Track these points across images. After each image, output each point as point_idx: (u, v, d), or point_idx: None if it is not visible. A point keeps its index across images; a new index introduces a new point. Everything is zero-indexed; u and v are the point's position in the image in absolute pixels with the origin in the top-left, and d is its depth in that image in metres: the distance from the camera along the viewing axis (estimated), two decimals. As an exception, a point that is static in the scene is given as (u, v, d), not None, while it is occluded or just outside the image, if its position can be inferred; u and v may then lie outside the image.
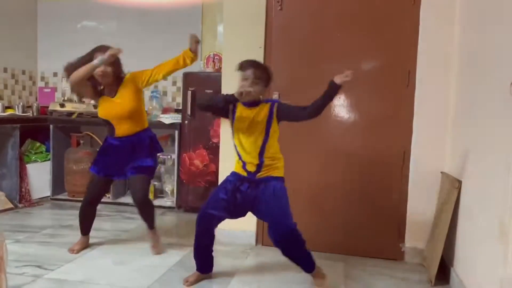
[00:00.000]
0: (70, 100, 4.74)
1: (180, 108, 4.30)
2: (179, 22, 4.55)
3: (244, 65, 2.33)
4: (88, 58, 2.75)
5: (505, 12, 1.93)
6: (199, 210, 2.52)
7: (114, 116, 2.81)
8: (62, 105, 4.47)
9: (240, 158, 2.41)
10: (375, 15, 2.97)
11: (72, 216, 3.84)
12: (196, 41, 2.74)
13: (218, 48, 4.30)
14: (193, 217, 3.92)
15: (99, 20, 4.77)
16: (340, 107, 3.06)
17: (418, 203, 2.94)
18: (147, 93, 4.70)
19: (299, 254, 2.40)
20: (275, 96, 3.03)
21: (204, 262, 2.59)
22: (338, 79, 2.26)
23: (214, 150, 3.86)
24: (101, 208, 4.13)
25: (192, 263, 2.81)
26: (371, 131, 3.01)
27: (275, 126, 2.37)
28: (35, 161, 4.38)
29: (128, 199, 4.16)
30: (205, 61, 4.28)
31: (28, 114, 4.48)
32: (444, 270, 2.62)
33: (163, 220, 3.92)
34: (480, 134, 2.20)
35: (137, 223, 3.60)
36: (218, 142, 3.31)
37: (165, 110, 4.49)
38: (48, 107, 4.53)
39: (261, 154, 2.35)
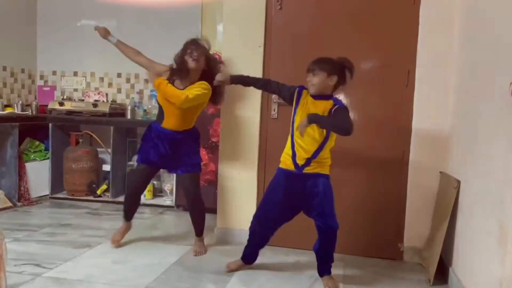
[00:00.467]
0: (69, 99, 4.74)
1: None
2: (179, 21, 4.54)
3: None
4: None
5: (505, 11, 1.93)
6: (257, 214, 2.65)
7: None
8: (61, 104, 4.46)
9: (292, 147, 2.44)
10: (375, 15, 2.97)
11: (71, 215, 3.85)
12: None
13: (217, 48, 4.29)
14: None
15: (98, 19, 4.74)
16: (340, 106, 3.05)
17: (417, 203, 2.95)
18: (146, 92, 4.71)
19: (328, 255, 2.53)
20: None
21: (252, 255, 2.72)
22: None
23: (213, 149, 3.86)
24: (100, 207, 4.15)
25: (191, 262, 2.82)
26: (370, 130, 3.01)
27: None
28: (34, 159, 4.37)
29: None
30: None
31: (27, 112, 4.47)
32: (443, 270, 2.63)
33: (161, 219, 3.92)
34: (479, 134, 2.20)
35: (136, 222, 3.61)
36: (218, 141, 3.31)
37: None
38: (47, 105, 4.52)
39: (316, 152, 2.40)
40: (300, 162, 2.42)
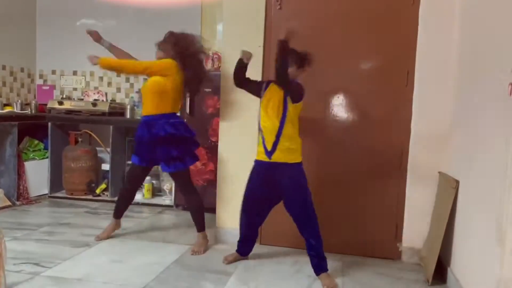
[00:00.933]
0: (68, 98, 4.74)
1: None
2: (179, 21, 4.50)
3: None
4: None
5: (504, 12, 1.93)
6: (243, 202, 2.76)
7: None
8: (60, 103, 4.46)
9: (260, 133, 2.64)
10: (374, 15, 2.97)
11: (70, 214, 3.85)
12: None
13: (217, 47, 4.30)
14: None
15: (98, 18, 4.76)
16: (339, 106, 3.06)
17: (415, 202, 2.95)
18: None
19: (317, 250, 2.60)
20: None
21: (245, 247, 2.86)
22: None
23: (212, 149, 3.86)
24: (99, 206, 4.15)
25: (191, 262, 2.82)
26: (370, 130, 3.01)
27: (292, 104, 2.55)
28: (33, 158, 4.37)
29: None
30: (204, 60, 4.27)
31: (27, 111, 4.47)
32: (441, 269, 2.63)
33: (161, 218, 3.92)
34: (478, 134, 2.21)
35: (135, 221, 3.61)
36: (217, 141, 3.31)
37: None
38: (46, 104, 4.52)
39: (279, 131, 2.55)
40: (268, 146, 2.57)
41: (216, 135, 3.57)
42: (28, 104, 4.63)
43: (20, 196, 4.13)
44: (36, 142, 4.48)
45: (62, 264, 2.68)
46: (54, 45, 4.88)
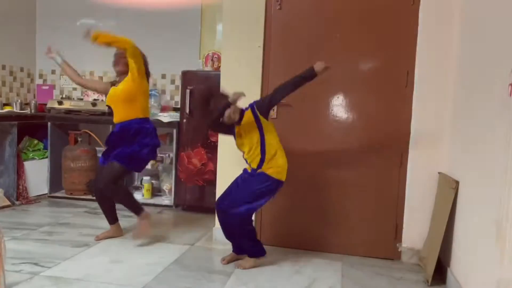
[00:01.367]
0: (68, 98, 4.73)
1: (179, 106, 4.29)
2: (179, 21, 4.55)
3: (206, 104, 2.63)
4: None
5: (503, 12, 1.93)
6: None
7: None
8: (60, 103, 4.46)
9: (246, 162, 2.70)
10: (374, 15, 2.97)
11: (70, 214, 3.84)
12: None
13: (217, 47, 4.30)
14: (191, 215, 3.95)
15: (98, 18, 4.76)
16: (339, 106, 3.06)
17: (415, 203, 2.95)
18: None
19: (240, 238, 2.74)
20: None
21: (239, 245, 2.85)
22: (318, 67, 2.52)
23: (212, 149, 3.86)
24: (98, 206, 4.14)
25: (190, 262, 2.82)
26: (369, 131, 3.01)
27: (265, 122, 2.61)
28: (33, 158, 4.37)
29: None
30: (204, 60, 4.28)
31: (26, 111, 4.47)
32: (441, 270, 2.63)
33: (160, 218, 3.91)
34: (478, 135, 2.21)
35: (134, 221, 3.60)
36: (217, 141, 3.31)
37: (163, 109, 4.49)
38: (46, 104, 4.52)
39: (262, 153, 2.60)
40: (254, 166, 2.64)
41: (216, 135, 3.57)
42: (27, 104, 4.64)
43: (19, 196, 4.13)
44: (36, 142, 4.48)
45: (61, 264, 2.68)
46: (54, 44, 4.81)
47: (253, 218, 3.02)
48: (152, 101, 4.50)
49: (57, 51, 3.18)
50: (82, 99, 4.71)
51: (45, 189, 4.41)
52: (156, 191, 4.47)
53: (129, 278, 2.51)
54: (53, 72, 4.98)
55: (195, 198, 4.06)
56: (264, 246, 2.84)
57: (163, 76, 4.70)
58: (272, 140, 2.62)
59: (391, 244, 3.02)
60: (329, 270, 2.76)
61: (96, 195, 3.24)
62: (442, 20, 2.85)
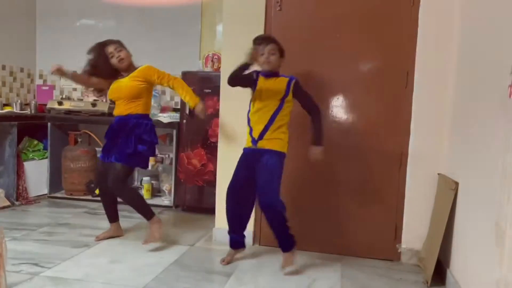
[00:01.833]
0: (68, 98, 4.73)
1: (179, 107, 4.29)
2: (178, 21, 4.55)
3: (259, 40, 2.64)
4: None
5: (504, 12, 1.94)
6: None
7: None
8: (60, 103, 4.46)
9: (248, 123, 2.70)
10: (374, 16, 2.97)
11: (70, 214, 3.85)
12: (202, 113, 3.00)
13: (217, 48, 4.30)
14: (191, 216, 3.95)
15: (98, 18, 4.77)
16: (338, 107, 3.06)
17: (415, 204, 2.95)
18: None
19: (281, 234, 2.66)
20: None
21: (237, 239, 2.84)
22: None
23: (212, 150, 3.86)
24: (99, 206, 4.14)
25: (190, 262, 2.82)
26: (369, 132, 3.02)
27: (289, 99, 2.64)
28: (33, 159, 4.37)
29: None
30: (204, 60, 4.27)
31: (26, 111, 4.47)
32: (440, 271, 2.63)
33: (160, 219, 3.90)
34: (478, 136, 2.21)
35: (135, 221, 3.60)
36: (216, 142, 3.31)
37: (163, 109, 4.49)
38: (46, 105, 4.52)
39: (269, 122, 2.61)
40: (255, 135, 2.65)
41: (216, 135, 3.57)
42: (27, 104, 4.64)
43: (19, 196, 4.13)
44: (36, 142, 4.48)
45: (61, 264, 2.68)
46: (54, 45, 4.88)
47: (253, 218, 3.04)
48: (152, 102, 4.51)
49: (61, 67, 3.03)
50: (82, 100, 4.71)
51: (45, 190, 4.41)
52: (155, 192, 4.47)
53: (129, 279, 2.51)
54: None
55: (195, 199, 4.06)
56: (264, 246, 2.85)
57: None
58: (284, 116, 2.65)
59: (390, 245, 3.02)
60: (329, 271, 2.76)
61: (100, 190, 3.25)
62: (441, 21, 2.85)
